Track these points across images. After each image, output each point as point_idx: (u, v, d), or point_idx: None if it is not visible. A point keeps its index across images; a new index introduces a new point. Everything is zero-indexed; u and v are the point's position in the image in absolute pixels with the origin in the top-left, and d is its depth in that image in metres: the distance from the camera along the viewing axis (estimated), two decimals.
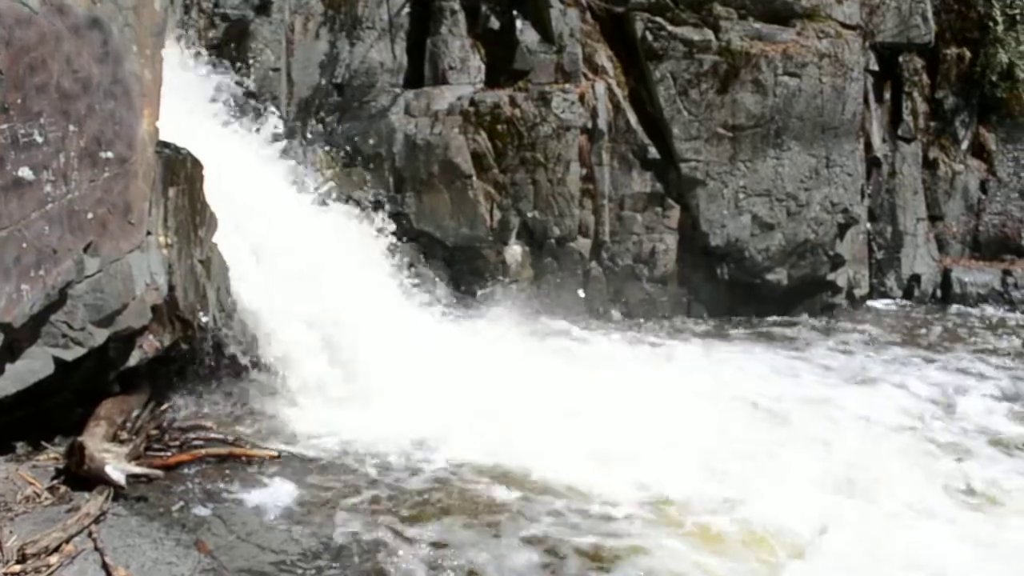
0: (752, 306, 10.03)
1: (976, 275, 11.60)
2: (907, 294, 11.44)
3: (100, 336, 4.85)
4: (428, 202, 9.13)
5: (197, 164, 5.55)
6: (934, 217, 11.83)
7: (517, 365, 7.29)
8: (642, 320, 9.61)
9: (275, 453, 5.44)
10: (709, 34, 9.72)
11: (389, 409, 6.17)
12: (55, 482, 4.72)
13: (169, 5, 6.53)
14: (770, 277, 10.01)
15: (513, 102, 9.26)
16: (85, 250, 4.67)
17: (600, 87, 9.55)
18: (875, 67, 11.22)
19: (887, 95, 11.60)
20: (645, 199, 9.66)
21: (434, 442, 5.83)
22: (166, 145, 5.32)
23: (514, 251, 9.27)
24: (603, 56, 9.75)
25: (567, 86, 9.39)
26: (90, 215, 4.65)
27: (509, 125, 9.19)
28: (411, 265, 8.70)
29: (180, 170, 5.40)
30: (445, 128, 9.09)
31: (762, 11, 10.00)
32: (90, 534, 4.26)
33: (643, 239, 9.65)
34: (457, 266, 9.16)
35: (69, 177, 4.52)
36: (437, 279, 8.94)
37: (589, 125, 9.39)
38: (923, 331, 9.97)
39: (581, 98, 9.39)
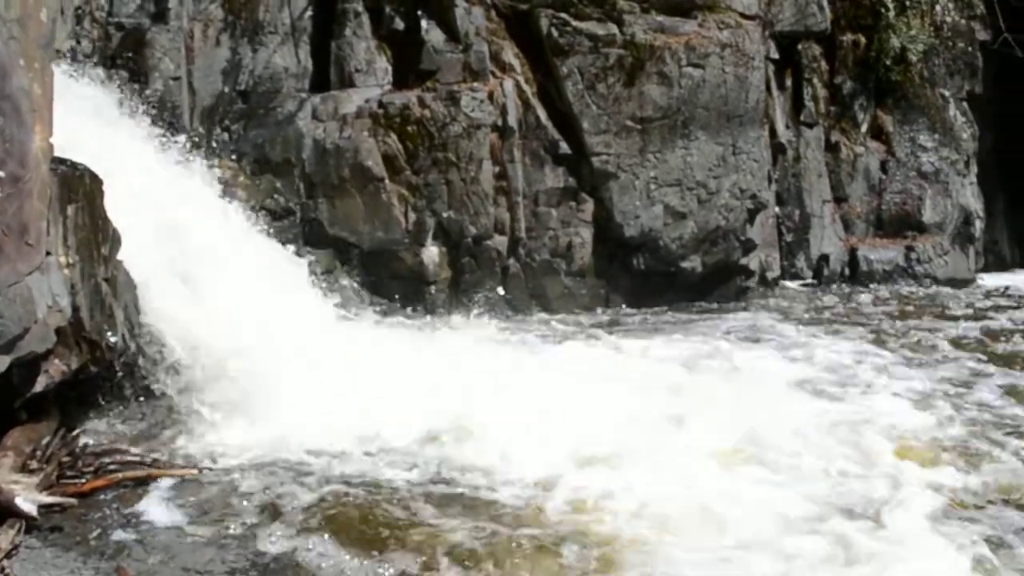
0: (669, 294, 10.18)
1: (881, 252, 12.02)
2: (816, 274, 11.78)
3: (1, 363, 4.64)
4: (341, 207, 9.02)
5: (96, 179, 5.37)
6: (839, 198, 12.20)
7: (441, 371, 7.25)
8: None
9: (195, 471, 5.30)
10: (613, 28, 9.83)
11: (313, 422, 6.06)
12: None
13: (59, 16, 6.31)
14: (685, 265, 10.18)
15: (422, 102, 9.22)
16: None
17: (508, 84, 9.57)
18: (775, 55, 11.50)
19: (788, 82, 11.90)
20: (559, 194, 9.72)
21: (359, 453, 5.76)
22: (62, 161, 5.13)
23: (431, 252, 9.23)
24: (510, 53, 9.78)
25: (475, 85, 9.39)
26: None
27: (419, 126, 9.15)
28: (326, 272, 8.58)
29: (78, 187, 5.21)
30: (354, 131, 8.99)
31: (664, 4, 10.16)
32: (2, 570, 4.09)
33: (559, 234, 9.71)
34: (374, 270, 9.08)
35: None
36: (354, 286, 8.82)
37: (499, 123, 9.41)
38: None
39: (490, 96, 9.40)
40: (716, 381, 7.12)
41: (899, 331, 9.15)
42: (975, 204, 12.65)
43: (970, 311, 10.34)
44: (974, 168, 12.80)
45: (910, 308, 10.51)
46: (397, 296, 9.03)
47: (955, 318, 9.91)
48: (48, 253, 4.95)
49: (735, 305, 10.42)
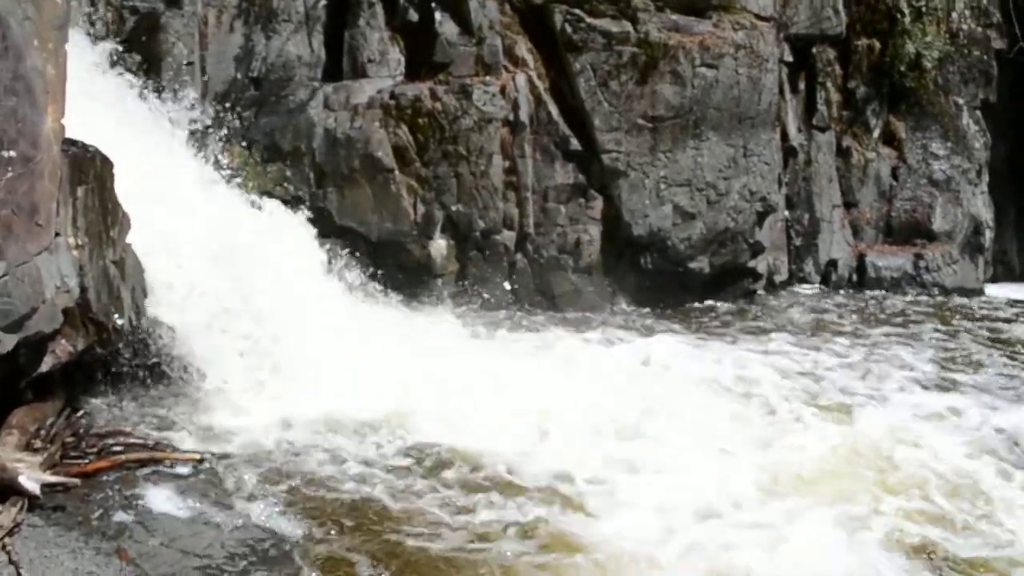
0: (675, 294, 10.15)
1: (889, 259, 11.96)
2: (824, 279, 11.73)
3: (9, 342, 4.66)
4: (350, 197, 9.02)
5: (107, 162, 5.38)
6: (848, 204, 12.15)
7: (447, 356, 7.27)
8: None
9: (198, 455, 5.32)
10: (628, 26, 9.80)
11: (316, 404, 6.09)
12: None
13: None
14: (692, 265, 10.16)
15: (434, 95, 9.21)
16: None
17: (521, 79, 9.55)
18: (789, 58, 11.45)
19: (801, 85, 11.85)
20: (568, 190, 9.71)
21: (364, 435, 5.78)
22: (73, 143, 5.14)
23: (439, 245, 9.22)
24: (523, 48, 9.76)
25: (488, 78, 9.37)
26: None
27: (430, 118, 9.14)
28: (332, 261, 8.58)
29: (89, 168, 5.22)
30: (365, 122, 8.98)
31: (678, 3, 10.11)
32: (3, 547, 4.11)
33: (567, 230, 9.69)
34: (381, 261, 9.07)
35: None
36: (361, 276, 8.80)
37: (511, 117, 9.39)
38: None
39: (502, 90, 9.39)
40: None
41: (974, 330, 9.37)
42: (985, 213, 12.59)
43: (1015, 314, 10.51)
44: (986, 177, 12.73)
45: (948, 312, 10.53)
46: (404, 287, 9.02)
47: (1008, 320, 10.05)
48: (57, 234, 4.96)
49: (762, 305, 10.41)
